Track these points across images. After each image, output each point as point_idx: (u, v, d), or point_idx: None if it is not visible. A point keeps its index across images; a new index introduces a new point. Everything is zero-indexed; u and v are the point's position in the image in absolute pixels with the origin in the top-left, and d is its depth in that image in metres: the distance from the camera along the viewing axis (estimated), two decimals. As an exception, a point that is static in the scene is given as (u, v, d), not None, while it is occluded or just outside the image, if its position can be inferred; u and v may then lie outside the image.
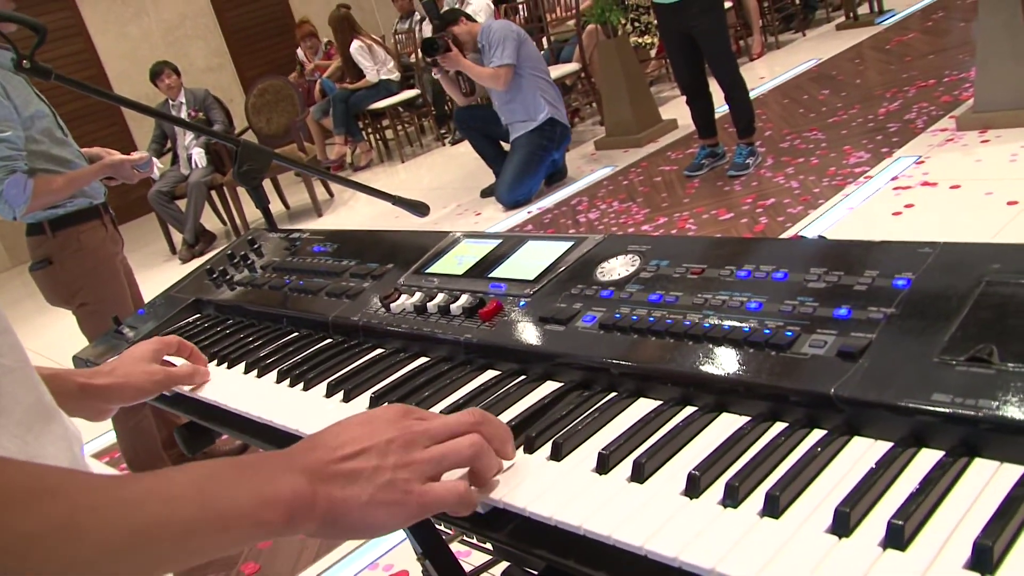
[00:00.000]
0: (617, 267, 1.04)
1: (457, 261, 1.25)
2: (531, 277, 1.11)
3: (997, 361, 0.68)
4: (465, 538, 1.24)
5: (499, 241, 1.25)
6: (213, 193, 7.25)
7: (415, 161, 8.49)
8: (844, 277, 0.85)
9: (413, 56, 8.52)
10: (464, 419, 0.77)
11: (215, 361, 1.35)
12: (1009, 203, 3.53)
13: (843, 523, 0.61)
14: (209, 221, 7.47)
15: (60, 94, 3.33)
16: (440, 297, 1.15)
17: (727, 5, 7.50)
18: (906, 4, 8.06)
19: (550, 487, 0.77)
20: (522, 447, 0.84)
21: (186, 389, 1.28)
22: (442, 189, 6.93)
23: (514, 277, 1.13)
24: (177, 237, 7.31)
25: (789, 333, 0.80)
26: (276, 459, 0.72)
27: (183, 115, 7.09)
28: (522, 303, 1.07)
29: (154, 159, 6.85)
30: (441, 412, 0.94)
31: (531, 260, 1.15)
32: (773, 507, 0.65)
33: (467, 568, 1.83)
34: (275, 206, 7.93)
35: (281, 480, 0.69)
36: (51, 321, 4.87)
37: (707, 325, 0.86)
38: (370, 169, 8.62)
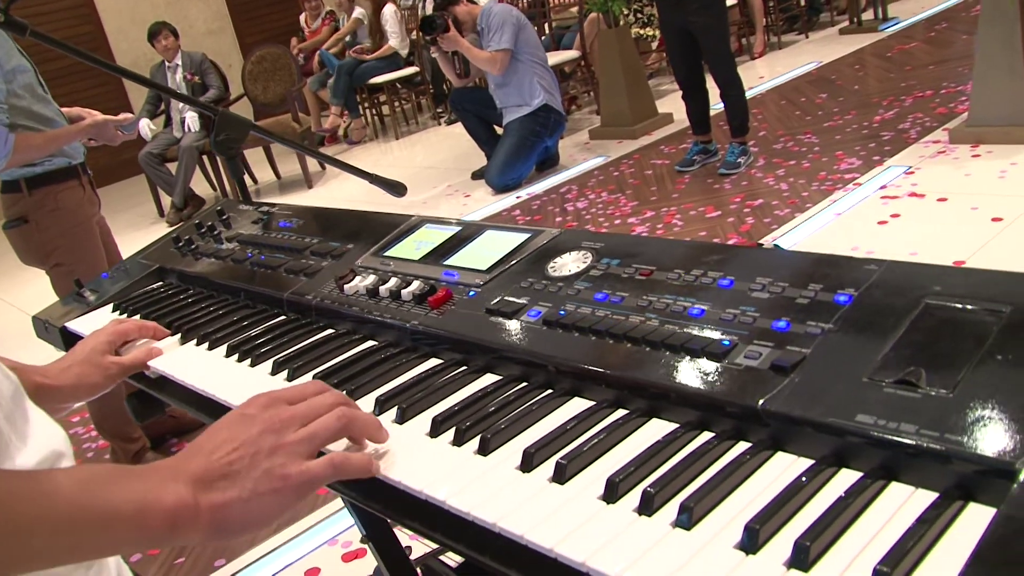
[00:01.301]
0: (569, 263, 1.03)
1: (416, 246, 1.24)
2: (484, 267, 1.10)
3: (924, 385, 0.67)
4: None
5: (458, 228, 1.24)
6: (205, 158, 7.20)
7: (409, 139, 8.45)
8: (788, 289, 0.84)
9: (415, 33, 8.46)
10: (327, 399, 0.80)
11: (177, 335, 1.33)
12: (994, 219, 3.53)
13: (752, 540, 0.61)
14: (199, 186, 7.42)
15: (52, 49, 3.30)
16: (393, 281, 1.14)
17: (731, 2, 7.50)
18: (911, 12, 8.05)
19: (473, 482, 0.76)
20: (451, 439, 0.83)
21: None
22: (434, 169, 6.90)
23: (468, 266, 1.12)
24: (166, 200, 7.27)
25: (726, 343, 0.79)
26: (162, 468, 0.73)
27: (178, 77, 7.04)
28: (472, 293, 1.06)
29: (147, 120, 6.80)
30: (378, 399, 0.93)
31: (487, 250, 1.14)
32: (686, 518, 0.64)
33: (420, 551, 1.83)
34: (266, 175, 7.90)
35: (164, 489, 0.70)
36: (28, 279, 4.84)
37: (647, 329, 0.85)
38: (364, 144, 8.58)
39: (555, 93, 5.70)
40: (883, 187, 4.19)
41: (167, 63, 7.02)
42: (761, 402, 0.71)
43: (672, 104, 6.42)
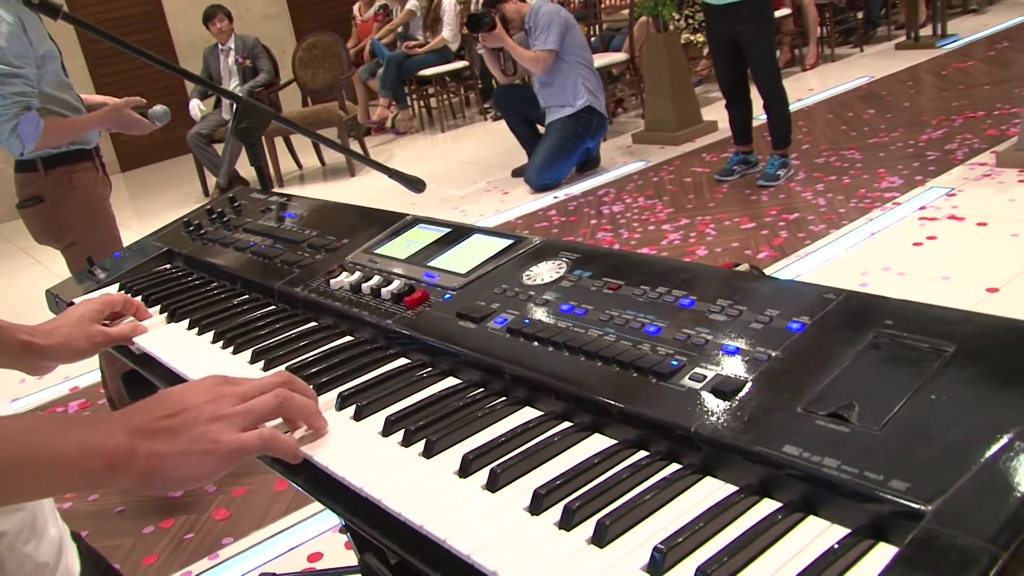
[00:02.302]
0: (544, 272, 1.03)
1: (405, 245, 1.26)
2: (463, 271, 1.11)
3: (854, 420, 0.67)
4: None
5: (448, 230, 1.25)
6: (251, 141, 7.29)
7: (455, 132, 8.49)
8: (745, 313, 0.84)
9: (466, 28, 8.49)
10: (271, 379, 0.86)
11: (164, 313, 1.37)
12: (1033, 247, 3.46)
13: (657, 564, 0.61)
14: (244, 168, 7.53)
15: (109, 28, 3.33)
16: (375, 279, 1.16)
17: (786, 12, 7.41)
18: (972, 30, 7.89)
19: (413, 483, 0.77)
20: (400, 440, 0.84)
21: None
22: (476, 164, 6.92)
23: (449, 269, 1.13)
24: (212, 180, 7.38)
25: (674, 363, 0.80)
26: (106, 418, 0.78)
27: (230, 60, 7.15)
28: (447, 296, 1.07)
29: (197, 101, 6.91)
30: (340, 394, 0.95)
31: (470, 253, 1.15)
32: (600, 536, 0.65)
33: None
34: (311, 161, 7.98)
35: (105, 434, 0.75)
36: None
37: (602, 343, 0.85)
38: (410, 135, 8.63)
39: (599, 95, 5.68)
40: (922, 208, 4.12)
41: (220, 45, 7.13)
42: (695, 427, 0.71)
43: (717, 112, 6.36)
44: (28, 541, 0.91)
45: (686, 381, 0.77)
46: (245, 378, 0.86)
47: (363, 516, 0.78)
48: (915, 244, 3.77)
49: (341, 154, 1.99)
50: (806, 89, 6.96)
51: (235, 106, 1.88)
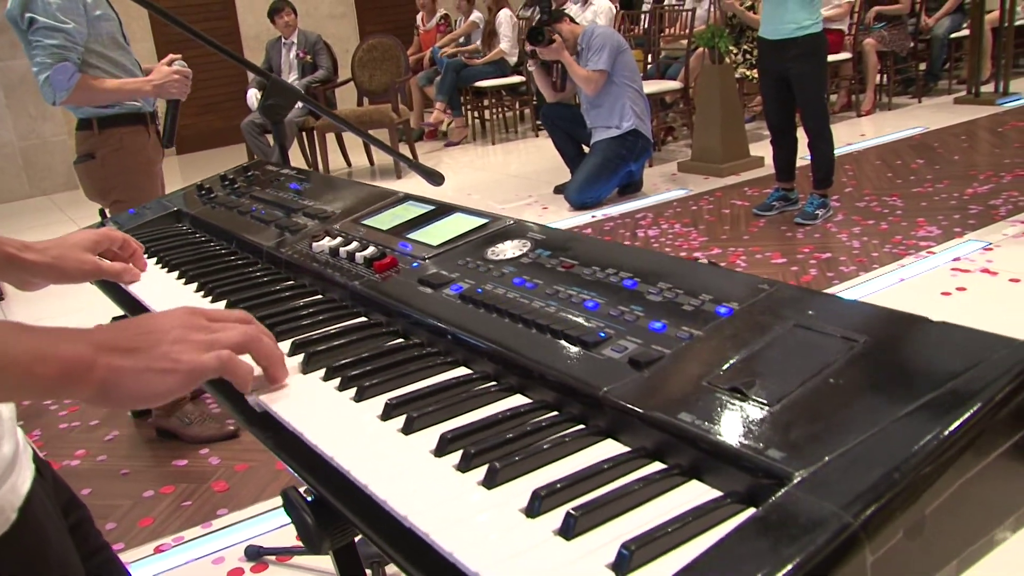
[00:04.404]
0: (508, 249, 1.06)
1: (391, 218, 1.29)
2: (435, 243, 1.14)
3: (751, 396, 0.69)
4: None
5: (433, 208, 1.28)
6: (304, 134, 7.44)
7: (505, 146, 8.55)
8: (681, 296, 0.86)
9: (526, 44, 8.57)
10: (240, 315, 0.88)
11: (161, 265, 1.42)
12: (1062, 308, 3.41)
13: (534, 508, 0.63)
14: (295, 159, 7.66)
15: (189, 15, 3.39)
16: (353, 245, 1.19)
17: (846, 56, 7.38)
18: (1035, 91, 7.78)
19: (335, 420, 0.81)
20: (336, 385, 0.88)
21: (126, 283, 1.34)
22: (523, 178, 6.97)
23: (423, 241, 1.17)
24: (262, 169, 7.51)
25: (602, 335, 0.82)
26: (70, 330, 0.79)
27: (292, 54, 7.30)
28: (415, 264, 1.10)
29: (254, 90, 7.05)
30: (295, 343, 0.98)
31: (447, 229, 1.18)
32: (490, 478, 0.67)
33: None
34: (360, 160, 8.10)
35: (64, 344, 0.76)
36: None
37: (540, 313, 0.88)
38: (461, 146, 8.71)
39: (646, 119, 5.70)
40: (956, 259, 4.07)
41: (283, 39, 7.29)
42: (603, 392, 0.74)
43: (765, 149, 6.33)
44: None
45: (608, 351, 0.79)
46: (217, 310, 0.89)
47: (287, 450, 0.82)
48: (943, 294, 3.73)
49: (387, 154, 2.05)
50: (858, 134, 6.91)
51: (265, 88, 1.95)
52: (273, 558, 2.47)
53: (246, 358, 0.86)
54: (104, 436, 3.36)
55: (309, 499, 0.81)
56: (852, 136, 6.83)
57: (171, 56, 2.98)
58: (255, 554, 2.47)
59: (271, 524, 2.64)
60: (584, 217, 5.58)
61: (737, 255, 4.52)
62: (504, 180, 7.01)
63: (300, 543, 2.47)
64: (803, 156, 4.99)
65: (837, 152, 4.98)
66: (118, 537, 2.66)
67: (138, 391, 0.78)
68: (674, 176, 6.37)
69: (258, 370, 0.89)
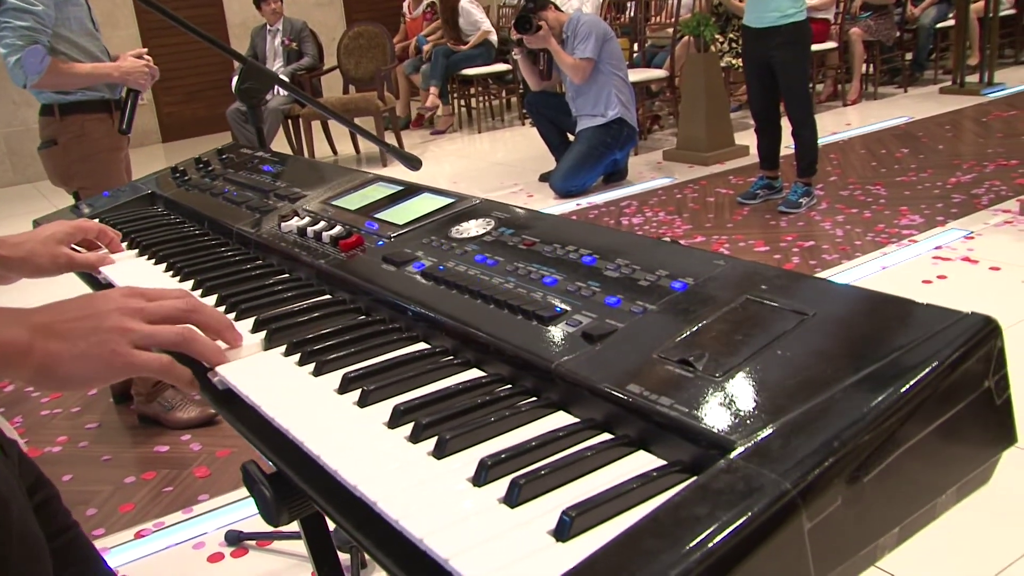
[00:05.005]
0: (472, 228, 1.07)
1: (360, 199, 1.30)
2: (401, 223, 1.14)
3: (699, 368, 0.69)
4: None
5: (401, 188, 1.28)
6: (289, 122, 7.41)
7: (492, 134, 8.54)
8: (638, 272, 0.86)
9: (512, 32, 8.54)
10: (179, 305, 0.87)
11: (132, 246, 1.42)
12: (1041, 296, 3.44)
13: (481, 476, 0.64)
14: (281, 147, 7.64)
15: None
16: (320, 224, 1.19)
17: (832, 46, 7.39)
18: (1020, 81, 7.81)
19: (293, 394, 0.81)
20: (296, 360, 0.88)
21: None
22: (508, 166, 6.97)
23: (390, 220, 1.17)
24: (247, 157, 7.48)
25: (558, 309, 0.82)
26: (10, 312, 0.80)
27: (277, 41, 7.27)
28: (380, 243, 1.11)
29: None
30: (258, 321, 0.99)
31: (414, 208, 1.18)
32: (440, 449, 0.68)
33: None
34: (346, 148, 8.08)
35: (4, 326, 0.77)
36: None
37: (498, 289, 0.89)
38: (447, 134, 8.70)
39: (631, 108, 5.70)
40: (938, 247, 4.10)
41: (269, 26, 7.26)
42: (555, 364, 0.74)
43: (751, 137, 6.33)
44: None
45: (563, 326, 0.80)
46: (155, 290, 0.88)
47: (247, 424, 0.82)
48: (924, 281, 3.75)
49: (366, 139, 2.04)
50: (843, 123, 6.92)
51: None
52: (253, 543, 2.47)
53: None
54: (86, 423, 3.35)
55: (269, 474, 0.82)
56: (838, 125, 6.84)
57: (140, 51, 2.98)
58: (235, 539, 2.47)
59: (252, 509, 2.64)
60: (569, 205, 5.58)
61: (720, 243, 4.53)
62: (490, 168, 7.01)
63: (280, 528, 2.49)
64: (788, 145, 5.00)
65: (822, 141, 4.99)
66: (99, 523, 2.66)
67: (71, 376, 0.79)
68: (659, 164, 6.37)
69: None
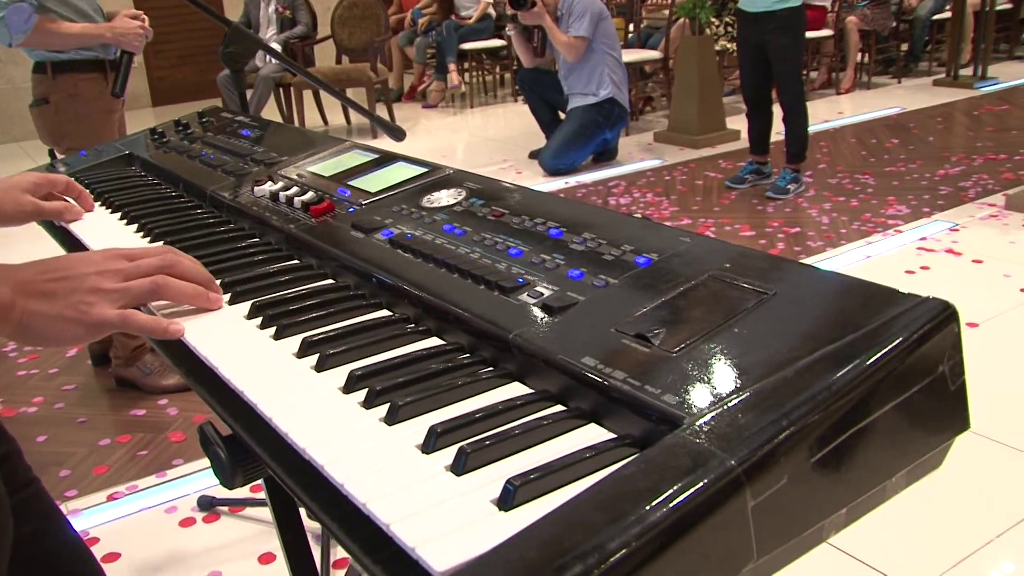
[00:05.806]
0: (443, 197, 1.06)
1: (335, 166, 1.29)
2: (374, 190, 1.13)
3: (655, 343, 0.69)
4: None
5: (377, 156, 1.27)
6: (280, 90, 7.36)
7: (484, 109, 8.50)
8: (603, 246, 0.86)
9: (507, 8, 8.49)
10: (155, 263, 0.89)
11: (105, 206, 1.40)
12: (1021, 289, 3.45)
13: (429, 444, 0.64)
14: (271, 115, 7.59)
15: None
16: (293, 190, 1.19)
17: (827, 34, 7.37)
18: (1013, 76, 7.81)
19: (252, 356, 0.81)
20: (258, 324, 0.88)
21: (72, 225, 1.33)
22: (499, 142, 6.95)
23: (362, 187, 1.16)
24: (237, 124, 7.43)
25: (520, 280, 0.82)
26: None
27: (271, 9, 7.21)
28: (352, 209, 1.10)
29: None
30: (223, 283, 0.98)
31: (388, 177, 1.18)
32: (392, 415, 0.68)
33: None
34: (337, 119, 8.03)
35: None
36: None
37: (463, 259, 0.88)
38: (439, 108, 8.65)
39: (623, 88, 5.68)
40: (923, 239, 4.11)
41: (263, -7, 7.19)
42: (512, 335, 0.74)
43: (742, 122, 6.32)
44: None
45: (524, 297, 0.80)
46: (140, 250, 0.90)
47: (205, 385, 0.82)
48: (907, 272, 3.76)
49: (352, 108, 2.02)
50: (836, 112, 6.92)
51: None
52: (226, 509, 2.47)
53: None
54: (62, 384, 3.34)
55: (225, 436, 0.81)
56: (830, 113, 6.84)
57: (138, 12, 2.94)
58: (208, 504, 2.47)
59: (225, 475, 2.64)
60: (558, 183, 5.56)
61: (707, 226, 4.53)
62: (480, 143, 6.99)
63: (253, 494, 2.48)
64: (778, 131, 4.99)
65: (814, 128, 4.99)
66: (72, 484, 2.65)
67: (49, 335, 0.81)
68: (650, 146, 6.36)
69: None
